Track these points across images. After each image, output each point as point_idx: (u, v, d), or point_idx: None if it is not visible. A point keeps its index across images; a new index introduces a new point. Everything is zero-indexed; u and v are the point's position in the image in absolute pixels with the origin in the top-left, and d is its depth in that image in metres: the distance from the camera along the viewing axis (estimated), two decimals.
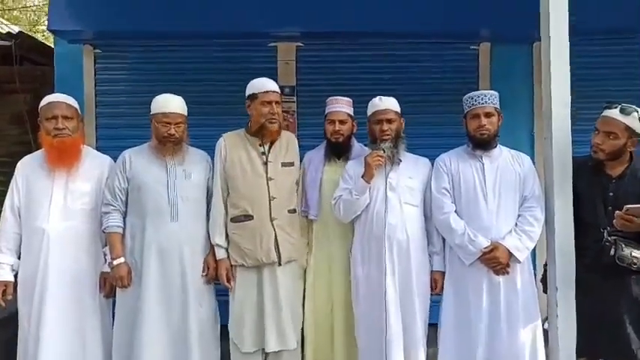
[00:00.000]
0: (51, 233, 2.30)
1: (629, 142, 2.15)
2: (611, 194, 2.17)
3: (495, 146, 2.42)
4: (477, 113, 2.36)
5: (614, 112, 2.15)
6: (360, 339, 2.46)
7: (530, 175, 2.37)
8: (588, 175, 2.23)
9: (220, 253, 2.43)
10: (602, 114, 2.19)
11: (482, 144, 2.38)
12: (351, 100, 2.65)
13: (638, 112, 2.13)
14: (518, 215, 2.34)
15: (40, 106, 2.41)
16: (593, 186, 2.21)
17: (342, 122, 2.56)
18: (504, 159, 2.40)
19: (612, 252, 2.08)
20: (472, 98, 2.39)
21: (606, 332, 2.15)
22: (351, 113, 2.62)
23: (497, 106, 2.40)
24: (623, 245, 2.08)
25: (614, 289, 2.14)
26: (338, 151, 2.59)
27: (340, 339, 2.51)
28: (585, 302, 2.15)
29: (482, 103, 2.36)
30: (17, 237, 2.36)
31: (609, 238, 2.11)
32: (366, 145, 2.66)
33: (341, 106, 2.59)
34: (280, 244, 2.38)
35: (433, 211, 2.44)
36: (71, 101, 2.43)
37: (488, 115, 2.35)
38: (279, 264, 2.37)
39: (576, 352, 2.18)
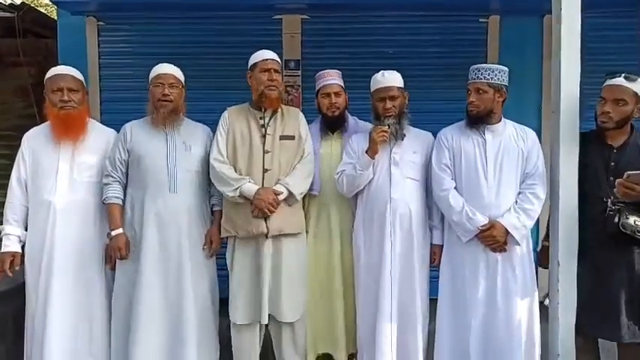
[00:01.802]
0: (57, 205, 2.32)
1: (636, 109, 2.15)
2: (612, 164, 2.17)
3: (499, 121, 2.38)
4: (468, 88, 2.34)
5: (620, 80, 2.14)
6: (359, 310, 2.49)
7: (534, 152, 2.34)
8: (590, 147, 2.23)
9: (251, 189, 2.35)
10: (607, 83, 2.18)
11: (472, 119, 2.34)
12: (340, 72, 2.63)
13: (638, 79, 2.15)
14: (519, 192, 2.31)
15: (45, 78, 2.40)
16: (595, 157, 2.21)
17: (337, 94, 2.55)
18: (508, 134, 2.36)
19: (616, 220, 2.08)
20: (470, 72, 2.35)
21: (602, 310, 2.16)
22: (342, 84, 2.60)
23: (497, 81, 2.30)
24: (627, 213, 2.08)
25: (617, 265, 2.15)
26: (333, 125, 2.58)
27: (340, 312, 2.54)
28: (586, 277, 2.16)
29: (474, 79, 2.31)
30: (24, 209, 2.38)
31: (613, 207, 2.11)
32: (360, 119, 2.63)
33: (333, 78, 2.58)
34: (270, 218, 2.34)
35: (433, 187, 2.43)
36: (77, 73, 2.43)
37: (478, 90, 2.30)
38: (267, 236, 2.36)
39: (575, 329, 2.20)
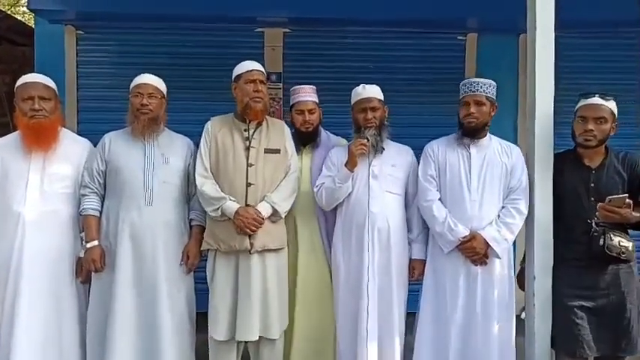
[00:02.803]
0: (27, 217, 2.26)
1: (612, 126, 2.19)
2: (592, 185, 2.19)
3: (484, 135, 2.41)
4: (467, 101, 2.35)
5: (597, 99, 2.18)
6: (338, 326, 2.47)
7: (518, 167, 2.36)
8: (568, 169, 2.26)
9: (232, 207, 2.31)
10: (585, 102, 2.21)
11: (470, 132, 2.37)
12: (315, 87, 2.64)
13: (612, 97, 2.20)
14: (502, 207, 2.35)
15: (15, 87, 2.35)
16: (574, 178, 2.23)
17: (310, 112, 2.56)
18: (493, 149, 2.40)
19: (601, 242, 2.10)
20: (465, 85, 2.38)
21: (595, 328, 2.16)
22: (317, 100, 2.62)
23: (491, 95, 2.37)
24: (612, 235, 2.11)
25: (601, 282, 2.16)
26: (305, 139, 2.59)
27: (298, 325, 2.51)
28: (572, 295, 2.18)
29: (474, 91, 2.34)
30: None
31: (597, 228, 2.13)
32: (343, 133, 2.65)
33: (308, 95, 2.58)
34: (254, 233, 2.32)
35: (418, 198, 2.45)
36: (48, 82, 2.37)
37: (478, 103, 2.34)
38: (250, 252, 2.32)
39: (561, 349, 2.21)
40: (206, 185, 2.35)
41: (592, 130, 2.15)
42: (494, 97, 2.39)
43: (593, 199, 2.15)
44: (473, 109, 2.33)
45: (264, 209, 2.34)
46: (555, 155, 2.29)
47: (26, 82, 2.32)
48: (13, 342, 2.19)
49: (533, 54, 2.29)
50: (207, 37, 3.56)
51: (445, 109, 3.52)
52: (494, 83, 2.39)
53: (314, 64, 3.56)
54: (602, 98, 2.17)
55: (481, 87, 2.35)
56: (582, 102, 2.22)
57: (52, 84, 2.39)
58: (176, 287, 2.39)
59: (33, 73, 2.42)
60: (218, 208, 2.32)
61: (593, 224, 2.14)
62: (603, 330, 2.15)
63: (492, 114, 2.40)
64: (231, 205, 2.31)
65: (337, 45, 3.59)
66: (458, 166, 2.38)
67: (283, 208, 2.39)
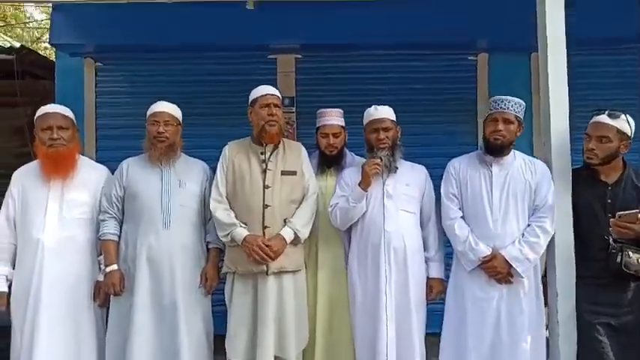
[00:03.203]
0: (46, 243, 2.29)
1: (622, 145, 2.16)
2: (609, 201, 2.16)
3: (508, 153, 2.37)
4: (495, 118, 2.33)
5: (603, 117, 2.17)
6: (357, 348, 2.43)
7: (544, 184, 2.30)
8: (584, 185, 2.23)
9: (241, 234, 2.32)
10: (592, 120, 2.21)
11: (495, 149, 2.34)
12: (342, 111, 2.66)
13: (624, 115, 2.18)
14: (527, 225, 2.30)
15: (35, 117, 2.42)
16: (591, 194, 2.21)
17: (335, 135, 2.57)
18: (516, 167, 2.35)
19: (619, 259, 2.06)
20: (495, 102, 2.36)
21: (617, 345, 2.11)
22: (343, 124, 2.63)
23: (520, 115, 2.35)
24: (630, 252, 2.06)
25: (621, 299, 2.12)
26: (331, 161, 2.60)
27: (320, 349, 2.46)
28: (591, 314, 2.13)
29: (504, 109, 2.32)
30: (12, 247, 2.35)
31: (615, 245, 2.09)
32: (358, 155, 2.66)
33: (333, 118, 2.60)
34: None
35: (441, 216, 2.44)
36: (66, 111, 2.44)
37: (506, 121, 2.31)
38: (267, 274, 2.31)
39: None
40: (218, 211, 2.38)
41: (593, 149, 2.15)
42: (522, 118, 2.37)
43: (609, 215, 2.11)
44: (501, 127, 2.30)
45: (287, 234, 2.35)
46: (572, 170, 2.27)
47: (45, 113, 2.39)
48: None
49: (545, 72, 2.29)
50: (221, 65, 3.65)
51: (458, 129, 3.54)
52: (523, 103, 2.37)
53: (326, 87, 3.61)
54: (609, 117, 2.16)
55: (512, 105, 2.33)
56: (592, 120, 2.22)
57: (69, 113, 2.45)
58: (194, 310, 2.39)
59: (51, 104, 2.49)
60: (228, 234, 2.34)
61: (611, 241, 2.10)
62: (626, 349, 2.10)
63: (518, 134, 2.37)
64: (241, 232, 2.33)
65: (348, 68, 3.64)
66: (479, 184, 2.36)
67: (304, 234, 2.41)
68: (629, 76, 3.56)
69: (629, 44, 3.47)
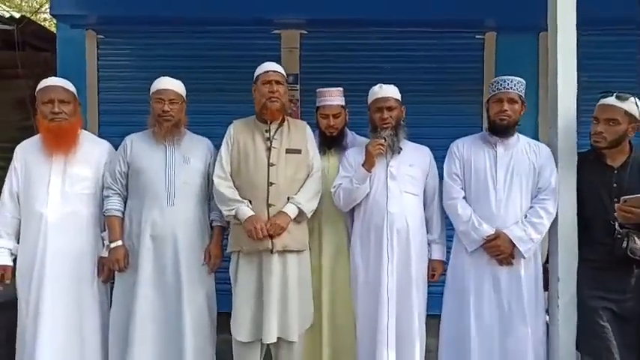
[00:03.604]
0: (49, 217, 2.30)
1: (630, 128, 2.14)
2: (615, 185, 2.15)
3: (513, 134, 2.38)
4: (500, 98, 2.32)
5: (611, 100, 2.15)
6: (358, 327, 2.46)
7: (547, 166, 2.31)
8: (590, 169, 2.22)
9: (245, 213, 2.32)
10: (599, 103, 2.19)
11: (501, 130, 2.34)
12: (342, 89, 2.63)
13: (633, 97, 2.15)
14: (530, 206, 2.31)
15: (36, 90, 2.39)
16: (597, 179, 2.19)
17: (335, 116, 2.55)
18: (520, 148, 2.36)
19: (624, 244, 2.06)
20: (498, 83, 2.35)
21: (618, 331, 2.12)
22: (343, 103, 2.61)
23: (523, 94, 2.35)
24: (636, 238, 2.06)
25: (625, 285, 2.12)
26: (331, 142, 2.59)
27: (326, 330, 2.49)
28: (593, 299, 2.14)
29: (507, 89, 2.31)
30: (16, 222, 2.36)
31: (621, 231, 2.08)
32: (361, 134, 2.64)
33: (333, 98, 2.57)
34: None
35: (443, 196, 2.43)
36: (68, 85, 2.42)
37: (511, 101, 2.31)
38: (272, 252, 2.32)
39: (585, 351, 2.17)
40: (222, 187, 2.37)
41: (601, 132, 2.13)
42: (525, 96, 2.36)
43: (615, 199, 2.09)
44: (506, 107, 2.30)
45: (291, 211, 2.34)
46: (578, 154, 2.26)
47: (46, 86, 2.37)
48: (38, 341, 2.23)
49: (554, 53, 2.26)
50: (225, 39, 3.58)
51: (463, 109, 3.49)
52: (524, 82, 2.36)
53: (331, 65, 3.55)
54: (617, 99, 2.13)
55: (514, 85, 2.32)
56: (599, 102, 2.19)
57: (71, 87, 2.43)
58: (197, 287, 2.41)
59: (53, 77, 2.47)
60: (232, 209, 2.33)
61: (617, 226, 2.09)
62: (627, 336, 2.10)
63: (522, 113, 2.37)
64: (245, 211, 2.32)
65: (354, 46, 3.58)
66: (484, 165, 2.36)
67: (309, 208, 2.39)
68: (627, 58, 3.50)
69: (627, 25, 3.40)
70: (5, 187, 2.37)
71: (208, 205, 2.52)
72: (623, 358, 2.10)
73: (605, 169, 2.20)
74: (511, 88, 2.32)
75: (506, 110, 2.30)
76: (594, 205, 2.19)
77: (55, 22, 3.92)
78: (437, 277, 2.46)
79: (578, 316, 2.19)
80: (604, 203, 2.16)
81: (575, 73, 2.24)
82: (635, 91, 3.44)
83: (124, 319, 2.36)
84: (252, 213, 2.33)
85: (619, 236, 2.08)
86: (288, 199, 2.37)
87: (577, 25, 2.24)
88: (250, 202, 2.36)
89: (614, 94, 2.15)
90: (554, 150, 2.28)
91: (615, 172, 2.18)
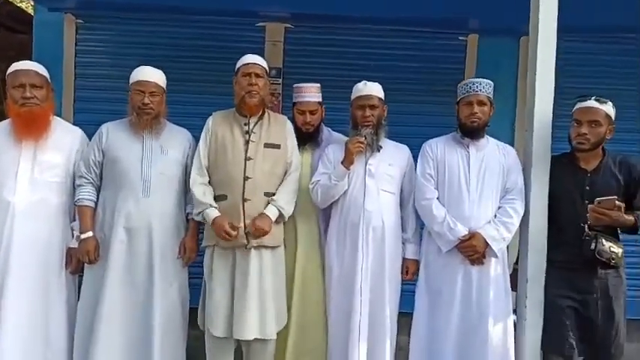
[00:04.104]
0: (17, 205, 2.24)
1: (608, 130, 2.19)
2: (587, 188, 2.20)
3: (483, 136, 2.42)
4: (470, 101, 2.35)
5: (592, 102, 2.18)
6: (330, 323, 2.46)
7: (515, 168, 2.38)
8: (563, 171, 2.26)
9: (212, 214, 2.31)
10: (580, 105, 2.21)
11: (472, 132, 2.37)
12: (319, 85, 2.61)
13: (609, 100, 2.20)
14: (499, 207, 2.35)
15: (7, 74, 2.31)
16: (570, 181, 2.23)
17: (312, 113, 2.54)
18: (490, 149, 2.41)
19: (592, 246, 2.11)
20: (467, 85, 2.39)
21: (579, 329, 2.19)
22: (320, 100, 2.60)
23: (491, 95, 2.39)
24: (604, 240, 2.12)
25: (590, 285, 2.18)
26: (306, 138, 2.58)
27: (294, 325, 2.49)
28: (560, 298, 2.20)
29: (477, 91, 2.35)
30: None
31: (590, 233, 2.14)
32: (340, 131, 2.65)
33: (311, 95, 2.56)
34: (249, 227, 2.29)
35: (416, 196, 2.45)
36: (40, 69, 2.34)
37: (480, 103, 2.35)
38: (246, 247, 2.30)
39: (549, 349, 2.22)
40: (195, 186, 2.35)
41: (585, 134, 2.16)
42: (492, 98, 2.40)
43: (587, 202, 2.15)
44: (476, 109, 2.34)
45: (272, 213, 2.34)
46: (552, 157, 2.30)
47: (18, 70, 2.29)
48: (1, 331, 2.17)
49: (534, 56, 2.29)
50: (208, 30, 3.54)
51: (443, 109, 3.52)
52: (492, 83, 2.40)
53: (315, 60, 3.54)
54: (597, 101, 2.17)
55: (483, 87, 2.36)
56: (578, 105, 2.22)
57: (44, 71, 2.36)
58: (170, 280, 2.37)
59: (25, 61, 2.38)
60: (200, 213, 2.33)
61: (586, 228, 2.15)
62: (590, 334, 2.17)
63: (491, 114, 2.41)
64: (210, 214, 2.31)
65: (339, 42, 3.58)
66: (457, 166, 2.39)
67: (289, 211, 2.39)
68: (627, 67, 3.57)
69: (627, 34, 3.47)
70: None
71: (185, 198, 2.48)
72: (586, 355, 2.18)
73: (578, 171, 2.24)
74: (480, 90, 2.35)
75: (477, 113, 2.34)
76: (566, 207, 2.23)
77: (32, 3, 3.80)
78: (410, 275, 2.47)
79: (545, 316, 2.24)
80: (575, 205, 2.20)
81: (553, 78, 2.28)
82: (636, 98, 3.55)
83: (91, 312, 2.31)
84: (217, 214, 2.31)
85: (587, 238, 2.13)
86: (267, 197, 2.35)
87: (561, 30, 2.27)
88: (225, 196, 2.34)
89: (593, 97, 2.19)
90: (529, 153, 2.32)
91: (588, 175, 2.22)
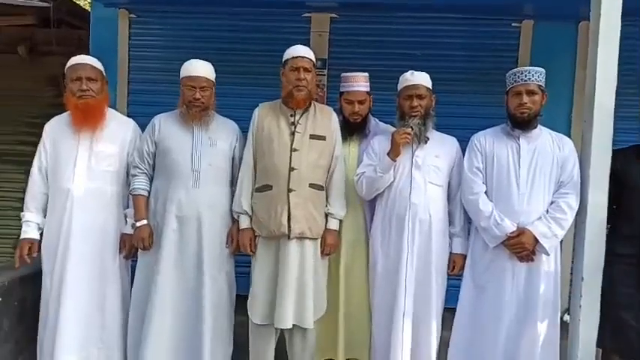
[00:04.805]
0: (75, 193, 2.35)
1: None
2: None
3: (535, 127, 2.31)
4: (519, 90, 2.26)
5: None
6: (374, 317, 2.46)
7: (571, 160, 2.26)
8: (635, 162, 2.19)
9: (243, 223, 2.43)
10: None
11: (522, 123, 2.28)
12: (367, 75, 2.58)
13: None
14: (552, 201, 2.25)
15: (65, 68, 2.44)
16: None
17: (360, 102, 2.51)
18: (543, 141, 2.31)
19: None
20: (515, 74, 2.29)
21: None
22: (368, 89, 2.56)
23: (543, 84, 2.28)
24: None
25: None
26: (354, 128, 2.56)
27: (342, 318, 2.50)
28: (627, 294, 2.13)
29: (526, 80, 2.25)
30: (44, 197, 2.43)
31: None
32: (384, 121, 2.60)
33: (359, 84, 2.53)
34: (293, 217, 2.30)
35: (463, 190, 2.38)
36: (95, 63, 2.45)
37: (530, 92, 2.25)
38: (289, 237, 2.32)
39: (610, 348, 2.16)
40: (245, 177, 2.44)
41: None
42: (545, 86, 2.29)
43: None
44: (526, 99, 2.24)
45: (335, 225, 2.44)
46: (625, 149, 2.22)
47: (75, 64, 2.41)
48: (61, 313, 2.30)
49: (595, 43, 2.16)
50: (255, 22, 3.56)
51: (495, 100, 3.36)
52: (544, 71, 2.29)
53: (360, 50, 3.49)
54: None
55: (533, 75, 2.25)
56: None
57: (99, 65, 2.46)
58: (218, 268, 2.44)
59: (82, 55, 2.50)
60: (238, 216, 2.45)
61: None
62: None
63: (543, 104, 2.30)
64: (243, 221, 2.42)
65: (385, 31, 3.51)
66: (506, 159, 2.30)
67: (344, 214, 2.47)
68: (628, 50, 3.29)
69: (627, 17, 3.21)
70: (35, 162, 2.44)
71: (232, 188, 2.52)
72: None
73: None
74: (530, 79, 2.25)
75: (526, 103, 2.24)
76: (636, 200, 2.15)
77: (89, 0, 3.96)
78: (457, 270, 2.42)
79: (608, 312, 2.15)
80: None
81: (616, 66, 2.14)
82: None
83: (145, 297, 2.41)
84: (246, 225, 2.43)
85: None
86: (311, 186, 2.36)
87: (622, 13, 2.13)
88: (271, 186, 2.37)
89: None
90: (588, 145, 2.20)
91: None
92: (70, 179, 2.37)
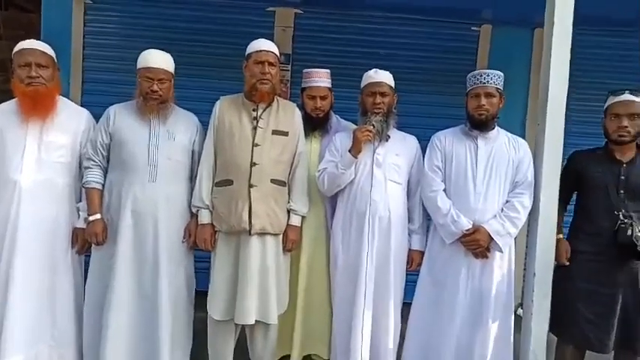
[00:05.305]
0: (23, 185, 2.23)
1: None
2: (623, 178, 2.23)
3: (493, 128, 2.38)
4: (477, 93, 2.32)
5: (629, 96, 2.22)
6: (334, 312, 2.47)
7: (525, 161, 2.34)
8: (598, 163, 2.29)
9: (204, 217, 2.38)
10: (617, 100, 2.24)
11: (480, 124, 2.34)
12: (329, 71, 2.59)
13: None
14: (506, 201, 2.33)
15: (13, 53, 2.29)
16: (605, 171, 2.26)
17: (322, 98, 2.52)
18: (500, 142, 2.38)
19: (629, 232, 2.13)
20: (475, 77, 2.34)
21: (607, 320, 2.21)
22: (330, 85, 2.58)
23: (501, 87, 2.34)
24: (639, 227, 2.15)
25: (619, 277, 2.20)
26: (315, 124, 2.56)
27: (300, 313, 2.52)
28: (585, 290, 2.23)
29: (485, 83, 2.31)
30: None
31: (625, 220, 2.17)
32: (349, 120, 2.62)
33: (322, 80, 2.54)
34: (254, 213, 2.28)
35: (422, 187, 2.43)
36: (46, 48, 2.31)
37: (488, 95, 2.31)
38: (250, 233, 2.30)
39: (566, 340, 2.27)
40: (203, 176, 2.39)
41: (626, 127, 2.20)
42: (503, 89, 2.36)
43: (622, 192, 2.20)
44: (484, 101, 2.30)
45: (297, 222, 2.44)
46: (584, 152, 2.33)
47: (24, 49, 2.26)
48: (8, 308, 2.18)
49: (549, 48, 2.25)
50: (218, 13, 3.51)
51: (454, 101, 3.48)
52: (502, 74, 2.36)
53: (324, 47, 3.51)
54: (632, 94, 2.21)
55: (491, 78, 2.32)
56: (613, 99, 2.25)
57: (50, 51, 2.33)
58: (176, 264, 2.38)
59: (31, 40, 2.34)
60: (197, 210, 2.39)
61: (621, 216, 2.18)
62: (621, 326, 2.20)
63: (501, 106, 2.37)
64: (204, 216, 2.38)
65: (349, 29, 3.54)
66: (464, 158, 2.36)
67: (307, 210, 2.47)
68: (628, 60, 3.51)
69: (627, 27, 3.41)
70: None
71: (191, 182, 2.47)
72: (614, 349, 2.22)
73: (613, 162, 2.27)
74: (488, 82, 2.31)
75: (484, 105, 2.30)
76: (599, 195, 2.26)
77: None
78: (414, 266, 2.46)
79: (566, 305, 2.25)
80: (609, 194, 2.23)
81: (568, 70, 2.24)
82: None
83: (99, 292, 2.32)
84: (207, 221, 2.38)
85: (623, 225, 2.16)
86: (273, 181, 2.34)
87: (574, 22, 2.23)
88: (232, 181, 2.33)
89: (626, 91, 2.22)
90: (540, 146, 2.29)
91: (624, 166, 2.25)
92: (17, 170, 2.24)
